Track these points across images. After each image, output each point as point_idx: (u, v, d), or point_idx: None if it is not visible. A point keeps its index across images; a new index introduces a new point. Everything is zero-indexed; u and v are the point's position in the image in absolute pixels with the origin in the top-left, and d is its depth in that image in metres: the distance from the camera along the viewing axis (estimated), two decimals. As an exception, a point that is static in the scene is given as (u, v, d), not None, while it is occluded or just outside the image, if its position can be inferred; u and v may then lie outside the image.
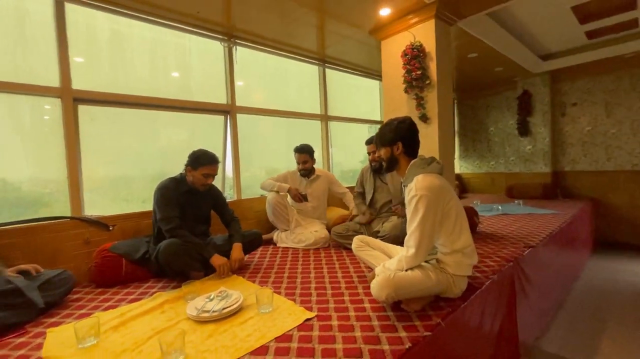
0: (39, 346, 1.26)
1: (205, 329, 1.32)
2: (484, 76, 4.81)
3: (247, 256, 2.33)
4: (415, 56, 2.51)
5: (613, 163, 4.36)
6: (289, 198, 2.77)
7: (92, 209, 2.27)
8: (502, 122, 5.40)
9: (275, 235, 2.77)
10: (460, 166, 6.01)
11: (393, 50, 2.75)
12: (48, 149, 2.10)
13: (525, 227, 2.89)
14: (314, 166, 2.88)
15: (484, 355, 1.61)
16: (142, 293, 1.78)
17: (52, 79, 2.07)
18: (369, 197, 2.55)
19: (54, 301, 1.60)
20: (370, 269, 1.85)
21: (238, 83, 3.01)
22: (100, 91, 2.23)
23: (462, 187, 5.79)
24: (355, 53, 3.56)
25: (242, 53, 3.02)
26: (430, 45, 2.50)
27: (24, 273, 1.61)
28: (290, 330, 1.28)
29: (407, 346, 1.12)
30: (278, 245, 2.70)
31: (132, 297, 1.72)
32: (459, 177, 5.85)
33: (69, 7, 2.12)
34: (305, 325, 1.32)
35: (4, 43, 1.97)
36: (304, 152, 2.76)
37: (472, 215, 2.77)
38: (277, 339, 1.22)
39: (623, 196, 4.28)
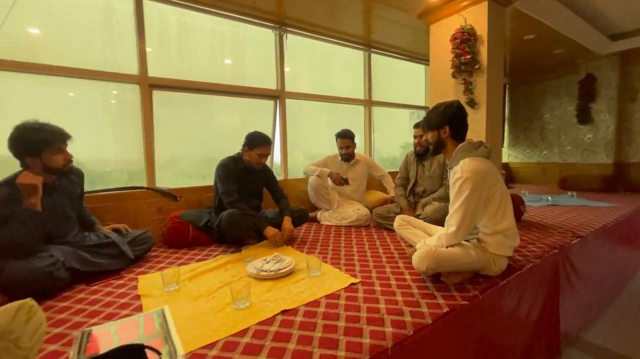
0: (134, 287, 1.56)
1: (264, 285, 1.53)
2: (541, 59, 4.50)
3: (295, 229, 2.54)
4: (465, 40, 2.48)
5: (689, 155, 3.93)
6: (330, 182, 2.93)
7: (161, 182, 2.60)
8: (559, 108, 5.04)
9: (319, 214, 2.95)
10: (508, 155, 5.74)
11: (442, 34, 2.72)
12: (129, 130, 2.44)
13: (576, 218, 2.78)
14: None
15: (522, 336, 1.67)
16: (207, 254, 2.06)
17: (132, 67, 2.38)
18: (411, 182, 2.61)
19: (139, 255, 1.93)
20: (411, 246, 1.95)
21: (286, 69, 3.18)
22: (171, 78, 2.51)
23: (510, 177, 5.54)
24: (402, 37, 3.54)
25: (291, 40, 3.16)
26: (481, 29, 2.44)
27: (117, 231, 1.95)
28: (338, 291, 1.44)
29: (445, 311, 1.24)
30: (322, 223, 2.88)
31: (198, 257, 2.01)
32: (506, 166, 5.61)
33: (146, 3, 2.39)
34: (351, 288, 1.47)
35: (95, 36, 2.29)
36: (347, 138, 2.89)
37: (518, 204, 2.72)
38: (327, 296, 1.39)
39: (699, 191, 3.86)
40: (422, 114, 4.55)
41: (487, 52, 2.43)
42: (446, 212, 2.21)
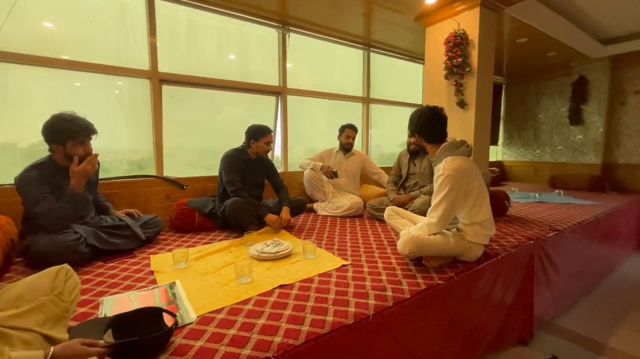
0: (147, 264, 1.74)
1: (264, 264, 1.71)
2: (536, 61, 4.64)
3: (293, 218, 2.72)
4: (457, 44, 2.62)
5: (674, 157, 4.09)
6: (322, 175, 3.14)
7: (168, 171, 2.77)
8: (552, 109, 5.19)
9: (315, 205, 3.14)
10: (502, 153, 5.91)
11: (437, 37, 2.87)
12: (140, 122, 2.59)
13: (557, 214, 2.95)
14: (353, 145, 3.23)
15: (496, 317, 1.85)
16: (212, 239, 2.24)
17: (143, 63, 2.52)
18: (402, 179, 2.79)
19: (150, 237, 2.10)
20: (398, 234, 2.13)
21: (288, 66, 3.32)
22: (179, 73, 2.67)
23: (503, 174, 5.71)
24: (400, 38, 3.68)
25: (293, 39, 3.30)
26: (473, 33, 2.59)
27: (130, 215, 2.12)
28: (330, 271, 1.62)
29: (422, 288, 1.42)
30: (318, 213, 3.06)
31: (204, 241, 2.18)
32: (500, 164, 5.77)
33: (158, 3, 2.53)
34: (342, 269, 1.65)
35: (110, 32, 2.44)
36: (354, 129, 3.19)
37: (502, 199, 2.90)
38: (320, 275, 1.57)
39: (681, 193, 4.03)
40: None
41: (477, 56, 2.57)
42: (433, 205, 2.40)
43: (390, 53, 4.07)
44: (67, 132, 1.65)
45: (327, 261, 1.75)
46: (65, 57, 2.23)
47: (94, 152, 1.78)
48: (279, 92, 3.27)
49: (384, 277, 1.54)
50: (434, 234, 1.65)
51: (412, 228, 1.77)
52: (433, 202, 1.66)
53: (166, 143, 2.71)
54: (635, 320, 2.33)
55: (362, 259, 1.81)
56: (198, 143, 3.12)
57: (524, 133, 5.58)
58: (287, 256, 1.82)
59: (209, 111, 3.11)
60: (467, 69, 2.61)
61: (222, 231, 2.42)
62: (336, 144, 3.27)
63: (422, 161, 2.68)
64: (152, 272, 1.63)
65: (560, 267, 2.40)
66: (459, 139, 1.74)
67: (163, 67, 2.58)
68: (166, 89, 2.66)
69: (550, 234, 2.29)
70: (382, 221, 2.74)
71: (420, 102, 4.68)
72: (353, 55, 3.93)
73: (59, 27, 2.30)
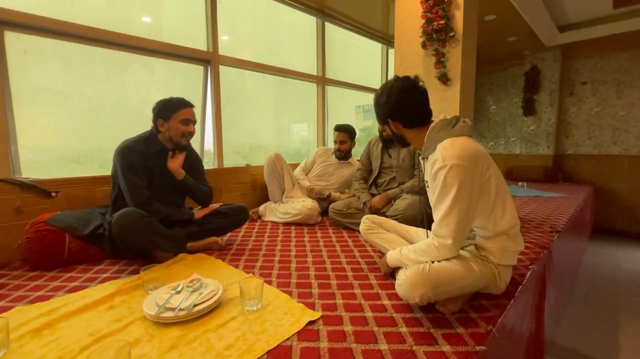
0: None
1: (168, 335, 0.94)
2: (494, 48, 4.43)
3: (229, 234, 1.94)
4: (438, 2, 2.08)
5: (619, 147, 4.17)
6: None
7: (31, 171, 1.79)
8: (505, 100, 5.10)
9: (262, 207, 2.42)
10: (457, 146, 5.74)
11: (410, -4, 2.30)
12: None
13: (540, 210, 2.63)
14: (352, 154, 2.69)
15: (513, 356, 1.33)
16: (90, 278, 1.37)
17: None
18: (374, 175, 2.17)
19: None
20: (383, 254, 1.50)
21: (223, 37, 2.50)
22: (36, 14, 1.69)
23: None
24: (359, 6, 3.08)
25: (226, -8, 2.48)
26: (457, -11, 2.06)
27: None
28: (288, 339, 0.91)
29: (458, 369, 0.79)
30: (264, 219, 2.35)
31: (74, 284, 1.31)
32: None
33: None
34: (308, 331, 0.96)
35: None
36: (342, 131, 2.53)
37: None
38: (270, 353, 0.85)
39: (626, 182, 4.11)
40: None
41: (463, 18, 2.06)
42: (422, 208, 1.82)
43: (346, 25, 3.45)
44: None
45: (282, 315, 1.04)
46: None
47: None
48: (209, 59, 2.43)
49: (383, 346, 0.88)
50: (447, 260, 1.05)
51: (406, 250, 1.15)
52: (437, 213, 1.04)
53: (25, 126, 1.74)
54: (627, 325, 2.05)
55: (338, 301, 1.13)
56: (86, 127, 2.13)
57: (478, 125, 5.44)
58: (212, 309, 1.07)
59: (104, 81, 2.14)
60: (451, 34, 2.08)
61: (114, 261, 1.55)
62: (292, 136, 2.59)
63: (399, 150, 2.09)
64: None
65: (556, 273, 2.01)
66: (448, 116, 1.16)
67: (2, 2, 1.60)
68: (13, 38, 1.67)
69: (555, 237, 1.87)
70: (350, 229, 2.11)
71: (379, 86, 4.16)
72: (305, 25, 3.23)
73: None
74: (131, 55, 2.13)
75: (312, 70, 3.25)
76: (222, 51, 2.48)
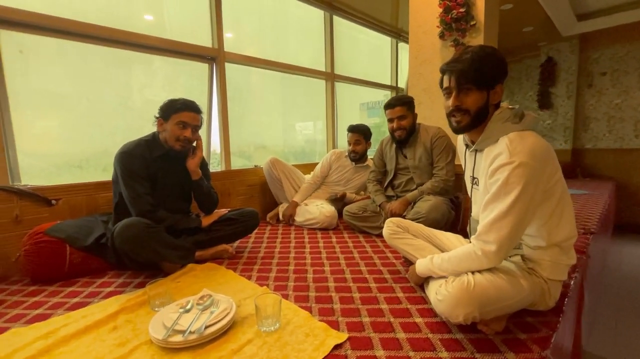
0: None
1: (177, 363, 0.83)
2: (509, 39, 4.25)
3: (239, 241, 1.84)
4: (457, -11, 1.95)
5: (642, 140, 3.98)
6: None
7: (31, 178, 1.70)
8: (519, 94, 4.92)
9: (281, 207, 2.36)
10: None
11: (425, -16, 2.16)
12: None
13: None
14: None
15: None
16: (92, 293, 1.27)
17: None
18: (389, 177, 2.05)
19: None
20: (409, 262, 1.38)
21: (227, 35, 2.39)
22: (31, 10, 1.59)
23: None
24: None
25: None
26: (478, -26, 1.93)
27: None
28: (314, 368, 0.80)
29: (519, 410, 0.67)
30: (281, 220, 2.30)
31: (75, 301, 1.21)
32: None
33: None
34: (335, 357, 0.84)
35: None
36: (356, 132, 2.34)
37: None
38: (295, 388, 0.74)
39: (650, 176, 3.93)
40: (389, 95, 4.05)
41: (484, 6, 1.92)
42: (446, 211, 1.69)
43: (355, 18, 3.31)
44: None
45: (304, 337, 0.93)
46: None
47: None
48: (214, 57, 2.32)
49: (425, 377, 0.76)
50: (492, 274, 0.92)
51: (438, 259, 1.03)
52: (489, 214, 0.91)
53: (24, 130, 1.65)
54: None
55: (364, 319, 1.02)
56: (89, 131, 2.04)
57: (490, 119, 5.28)
58: (225, 331, 0.96)
59: (105, 81, 2.04)
60: (472, 23, 1.94)
61: (118, 273, 1.46)
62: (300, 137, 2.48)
63: (415, 149, 1.95)
64: None
65: (592, 278, 1.87)
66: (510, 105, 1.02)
67: (-3, -2, 1.50)
68: (9, 36, 1.58)
69: (590, 239, 1.73)
70: (366, 233, 1.99)
71: (389, 83, 4.03)
72: (312, 19, 3.10)
73: None
74: (133, 54, 2.03)
75: (320, 66, 3.13)
76: (227, 48, 2.37)
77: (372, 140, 2.43)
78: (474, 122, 1.00)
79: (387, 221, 1.37)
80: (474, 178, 1.08)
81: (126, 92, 2.12)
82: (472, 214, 1.12)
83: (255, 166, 2.52)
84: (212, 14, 2.32)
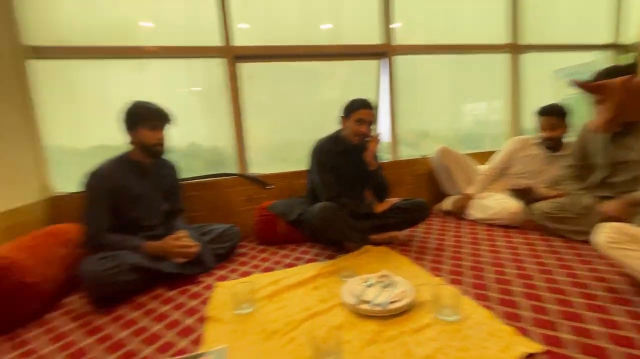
0: (205, 301, 1.25)
1: (366, 328, 0.99)
2: None
3: (408, 230, 1.91)
4: None
5: None
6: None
7: (255, 168, 2.33)
8: None
9: (452, 199, 2.27)
10: None
11: None
12: (218, 110, 2.21)
13: None
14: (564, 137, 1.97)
15: None
16: (297, 257, 1.66)
17: (216, 39, 2.10)
18: (602, 173, 1.58)
19: (224, 253, 1.67)
20: (632, 277, 1.07)
21: (396, 25, 2.44)
22: (257, 45, 2.15)
23: None
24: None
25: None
26: None
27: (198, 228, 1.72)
28: (500, 368, 0.78)
29: None
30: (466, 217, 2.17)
31: (287, 261, 1.62)
32: None
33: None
34: (527, 366, 0.78)
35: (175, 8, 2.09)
36: (552, 114, 1.90)
37: None
38: (480, 381, 0.75)
39: None
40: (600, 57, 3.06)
41: None
42: None
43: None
44: (138, 115, 1.48)
45: (487, 335, 0.91)
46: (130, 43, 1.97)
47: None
48: (384, 52, 2.43)
49: None
50: None
51: None
52: None
53: (249, 133, 2.28)
54: None
55: (564, 336, 0.88)
56: (288, 130, 2.60)
57: None
58: (404, 311, 1.06)
59: (298, 91, 2.54)
60: None
61: (311, 245, 1.82)
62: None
63: (637, 139, 1.43)
64: (205, 319, 1.13)
65: None
66: None
67: (238, 41, 2.11)
68: (244, 67, 2.19)
69: None
70: (564, 237, 1.65)
71: (602, 42, 3.03)
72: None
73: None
74: (315, 64, 2.41)
75: (501, 39, 2.71)
76: (396, 39, 2.43)
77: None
78: None
79: (607, 227, 1.10)
80: None
81: (311, 94, 2.55)
82: None
83: (423, 156, 2.50)
84: (381, 8, 2.41)
